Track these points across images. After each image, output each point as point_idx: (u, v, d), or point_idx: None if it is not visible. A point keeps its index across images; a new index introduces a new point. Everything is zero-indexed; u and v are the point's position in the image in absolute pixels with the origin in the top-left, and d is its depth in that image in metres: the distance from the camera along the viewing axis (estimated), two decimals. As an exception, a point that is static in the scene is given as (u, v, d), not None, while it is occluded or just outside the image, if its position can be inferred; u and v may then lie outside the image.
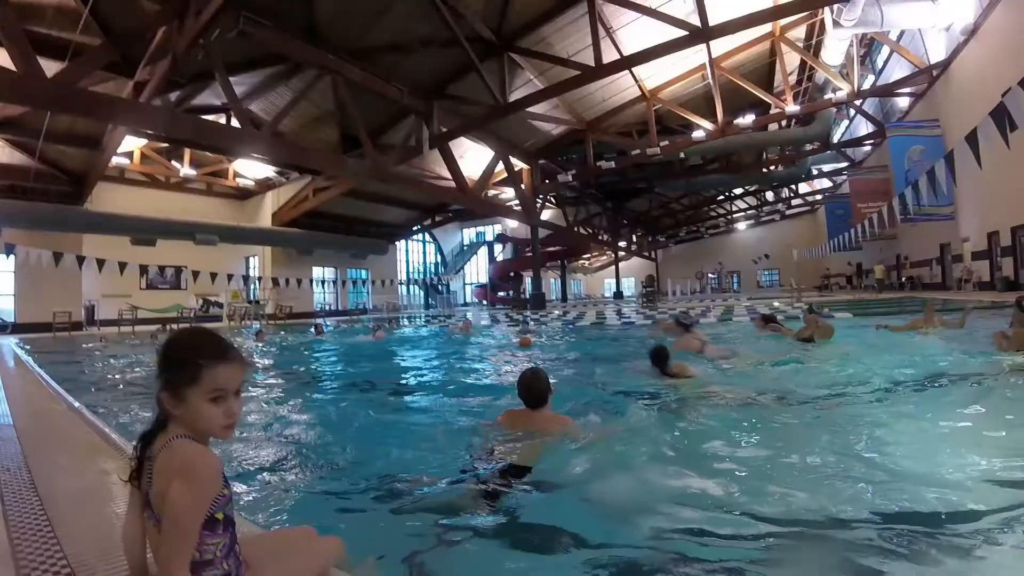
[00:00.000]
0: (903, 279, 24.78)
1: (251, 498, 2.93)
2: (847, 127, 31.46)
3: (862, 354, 6.98)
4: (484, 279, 41.15)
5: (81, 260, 16.62)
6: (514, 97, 17.97)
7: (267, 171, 25.02)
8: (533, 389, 3.44)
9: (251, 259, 28.35)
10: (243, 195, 27.43)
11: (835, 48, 20.95)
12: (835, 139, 29.54)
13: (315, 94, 16.79)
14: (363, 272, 32.16)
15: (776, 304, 17.43)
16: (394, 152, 18.76)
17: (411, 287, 40.44)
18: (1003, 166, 14.02)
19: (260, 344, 13.05)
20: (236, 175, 25.60)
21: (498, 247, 40.23)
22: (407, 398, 6.09)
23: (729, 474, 2.97)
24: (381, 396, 6.25)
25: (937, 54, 19.49)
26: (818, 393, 5.03)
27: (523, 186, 25.49)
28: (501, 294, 36.12)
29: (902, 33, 21.10)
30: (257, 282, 25.69)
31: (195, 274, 19.54)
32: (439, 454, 3.53)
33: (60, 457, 2.86)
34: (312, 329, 14.71)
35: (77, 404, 4.56)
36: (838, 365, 6.30)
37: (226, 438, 1.46)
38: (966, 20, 17.27)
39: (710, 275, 47.59)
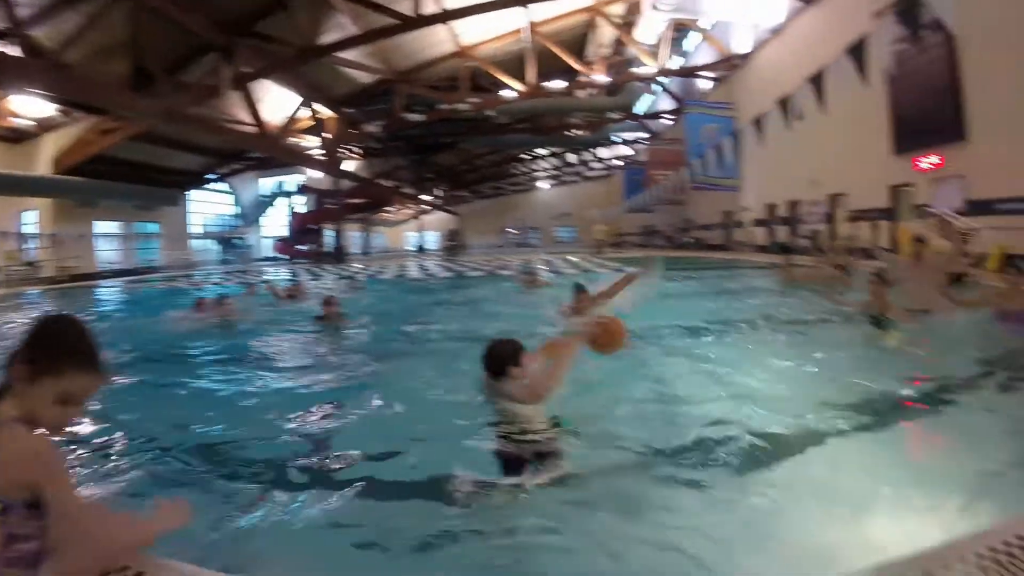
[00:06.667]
0: (692, 239, 28.13)
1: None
2: (652, 102, 33.20)
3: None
4: (284, 232, 38.66)
5: None
6: (325, 41, 17.04)
7: (49, 109, 21.72)
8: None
9: (26, 213, 24.51)
10: (17, 137, 23.60)
11: (649, 28, 22.25)
12: (638, 111, 31.47)
13: (108, 20, 14.70)
14: (152, 226, 29.32)
15: (572, 258, 19.38)
16: (191, 91, 17.06)
17: (205, 241, 36.56)
18: (784, 149, 16.88)
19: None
20: (11, 114, 21.91)
21: (300, 198, 38.40)
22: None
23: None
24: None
25: (740, 46, 21.30)
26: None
27: (328, 135, 24.40)
28: (302, 247, 33.68)
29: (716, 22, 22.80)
30: (35, 240, 22.36)
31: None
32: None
33: None
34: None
35: None
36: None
37: (53, 435, 1.39)
38: (776, 20, 19.09)
39: (512, 231, 50.68)
